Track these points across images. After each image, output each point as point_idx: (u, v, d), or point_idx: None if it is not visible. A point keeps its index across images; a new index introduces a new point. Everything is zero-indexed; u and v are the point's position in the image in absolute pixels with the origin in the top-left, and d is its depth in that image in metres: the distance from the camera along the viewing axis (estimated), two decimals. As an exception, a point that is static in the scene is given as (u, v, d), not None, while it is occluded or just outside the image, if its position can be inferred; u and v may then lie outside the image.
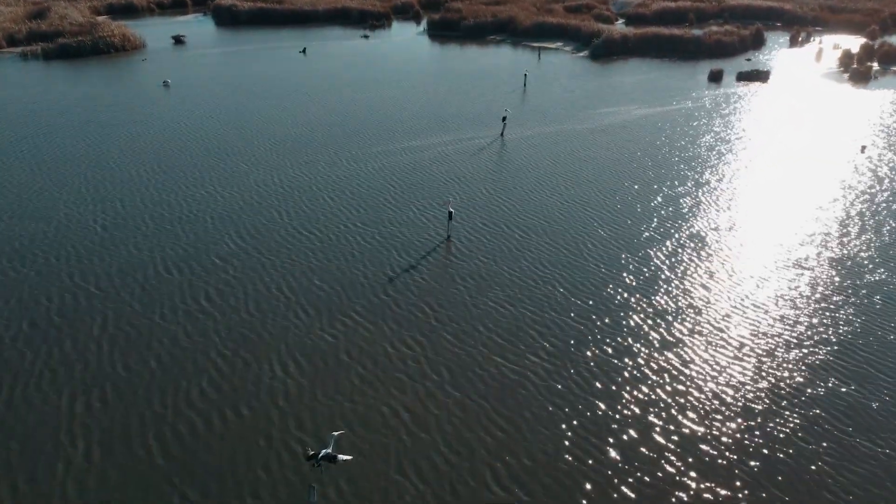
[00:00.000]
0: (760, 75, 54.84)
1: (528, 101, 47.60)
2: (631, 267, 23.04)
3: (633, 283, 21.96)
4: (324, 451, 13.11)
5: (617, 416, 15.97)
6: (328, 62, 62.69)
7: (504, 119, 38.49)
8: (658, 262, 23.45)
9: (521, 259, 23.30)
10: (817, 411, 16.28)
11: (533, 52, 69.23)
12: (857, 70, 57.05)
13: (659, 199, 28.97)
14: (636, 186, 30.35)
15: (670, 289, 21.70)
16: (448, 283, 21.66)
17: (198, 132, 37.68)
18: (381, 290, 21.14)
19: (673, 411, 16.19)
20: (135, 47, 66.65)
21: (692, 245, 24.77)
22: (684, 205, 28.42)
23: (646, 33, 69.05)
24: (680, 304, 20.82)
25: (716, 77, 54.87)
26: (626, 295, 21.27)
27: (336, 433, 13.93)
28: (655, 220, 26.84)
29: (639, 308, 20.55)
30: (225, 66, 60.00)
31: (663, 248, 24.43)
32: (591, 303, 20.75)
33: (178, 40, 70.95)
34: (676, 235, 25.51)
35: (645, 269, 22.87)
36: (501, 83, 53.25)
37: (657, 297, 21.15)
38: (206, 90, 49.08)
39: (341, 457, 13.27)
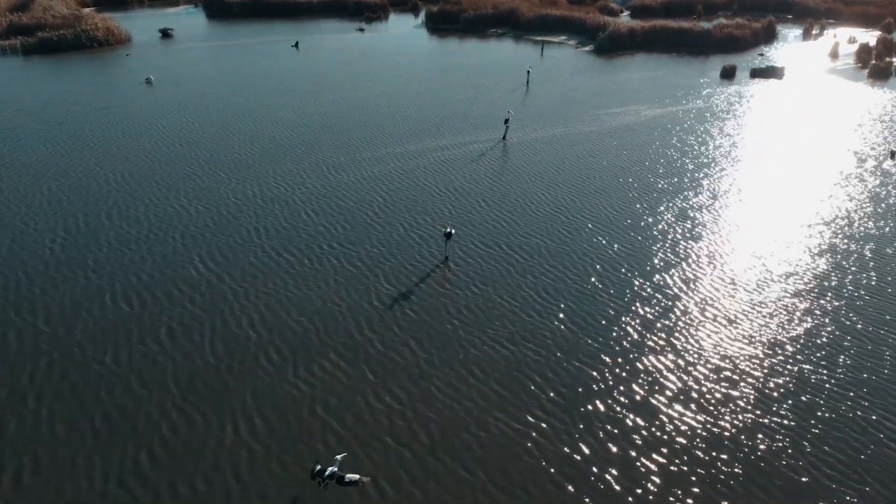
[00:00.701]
0: (775, 72, 51.96)
1: (531, 99, 44.85)
2: (644, 294, 20.47)
3: (648, 317, 19.39)
4: (330, 468, 12.71)
5: (635, 496, 13.44)
6: (321, 57, 59.89)
7: (506, 121, 35.81)
8: (675, 289, 20.86)
9: (521, 287, 20.71)
10: (875, 488, 13.76)
11: (535, 46, 66.34)
12: (876, 66, 54.09)
13: (673, 212, 26.34)
14: (647, 197, 27.71)
15: (690, 324, 19.12)
16: (439, 317, 19.11)
17: (175, 136, 35.04)
18: (364, 326, 18.60)
19: (701, 488, 13.66)
20: (119, 41, 63.85)
21: (712, 269, 22.16)
22: (701, 220, 25.78)
23: (653, 26, 66.04)
24: (703, 343, 18.25)
25: (728, 74, 52.01)
26: (639, 331, 18.70)
27: (339, 456, 13.23)
28: (670, 237, 24.22)
29: (655, 348, 17.99)
30: (212, 61, 57.23)
31: (680, 273, 21.83)
32: (599, 341, 18.19)
33: (166, 34, 68.14)
34: (694, 256, 22.90)
35: (660, 299, 20.29)
36: (503, 80, 50.47)
37: (675, 336, 18.58)
38: (189, 88, 46.38)
39: (350, 476, 12.80)
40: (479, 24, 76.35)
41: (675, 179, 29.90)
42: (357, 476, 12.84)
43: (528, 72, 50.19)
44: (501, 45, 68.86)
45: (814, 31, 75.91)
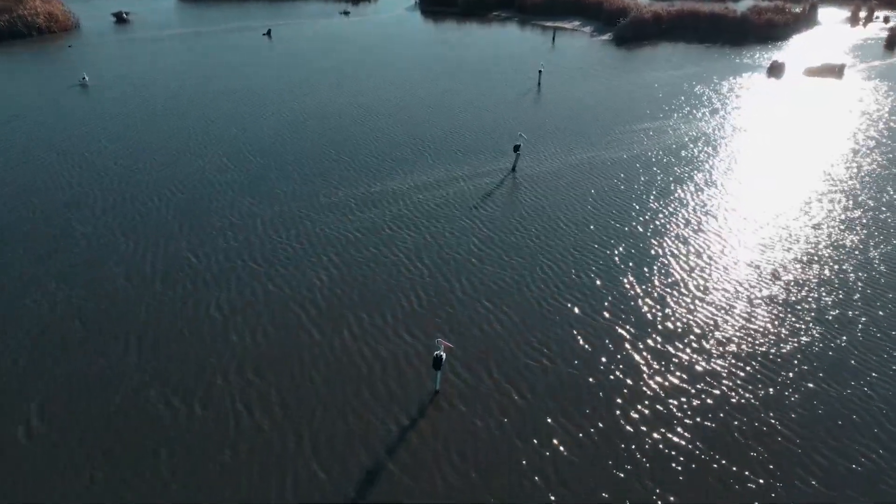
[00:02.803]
0: (833, 70, 43.43)
1: (544, 109, 36.71)
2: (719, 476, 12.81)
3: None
4: None
5: None
6: (294, 49, 51.65)
7: (517, 149, 27.81)
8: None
9: (524, 472, 13.03)
10: None
11: (544, 34, 57.86)
12: (950, 62, 45.56)
13: (745, 301, 18.47)
14: (705, 276, 19.80)
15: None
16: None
17: (78, 167, 27.21)
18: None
19: None
20: (64, 28, 55.71)
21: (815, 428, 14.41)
22: (804, 327, 17.91)
23: (681, 12, 57.25)
24: None
25: (776, 72, 43.57)
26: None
27: None
28: (746, 353, 16.42)
29: None
30: (166, 55, 49.04)
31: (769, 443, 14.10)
32: None
33: (121, 19, 59.88)
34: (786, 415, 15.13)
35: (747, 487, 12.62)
36: (510, 80, 42.34)
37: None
38: (126, 93, 38.44)
39: None
40: (479, 7, 67.76)
41: (739, 238, 21.91)
42: None
43: (540, 72, 41.95)
44: (506, 31, 60.29)
45: (860, 15, 66.95)
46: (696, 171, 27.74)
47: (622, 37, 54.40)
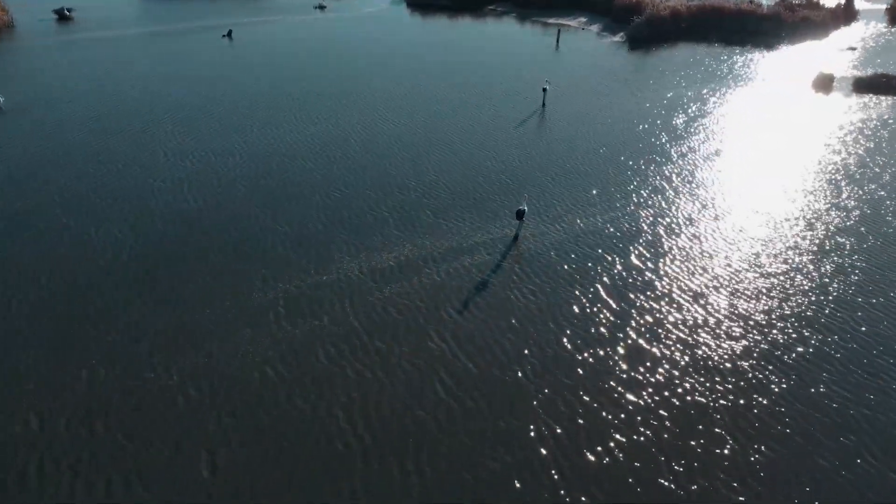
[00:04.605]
0: (890, 84, 36.56)
1: (548, 146, 30.11)
2: None
3: None
4: None
5: None
6: (253, 54, 44.90)
7: (521, 214, 21.23)
8: None
9: None
10: None
11: (545, 33, 50.88)
12: None
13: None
14: (776, 450, 13.47)
15: None
16: None
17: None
18: None
19: None
20: (-3, 29, 48.79)
21: None
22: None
23: (703, 8, 50.11)
24: None
25: (824, 85, 36.75)
26: None
27: None
28: None
29: None
30: (105, 63, 42.26)
31: None
32: None
33: (63, 16, 52.84)
34: None
35: None
36: (506, 99, 35.73)
37: None
38: (38, 121, 31.79)
39: None
40: (473, 1, 60.44)
41: (822, 372, 15.52)
42: None
43: (545, 90, 35.27)
44: (503, 30, 53.22)
45: (902, 8, 59.72)
46: (742, 245, 21.21)
47: (636, 37, 47.46)
